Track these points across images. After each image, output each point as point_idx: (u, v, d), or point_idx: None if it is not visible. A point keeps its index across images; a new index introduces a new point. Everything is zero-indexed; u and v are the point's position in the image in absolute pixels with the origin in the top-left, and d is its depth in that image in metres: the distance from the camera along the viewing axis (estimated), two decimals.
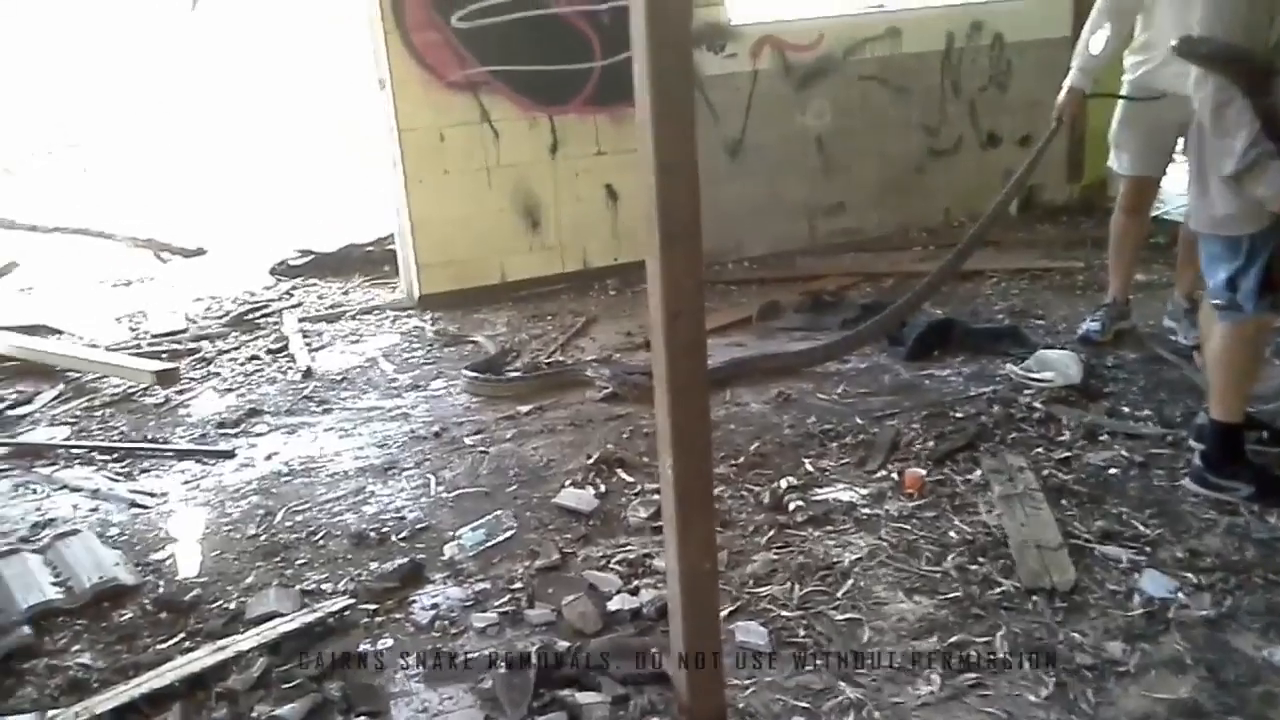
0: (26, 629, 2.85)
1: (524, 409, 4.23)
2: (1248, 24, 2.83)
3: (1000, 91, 6.47)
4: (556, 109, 5.60)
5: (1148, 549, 2.98)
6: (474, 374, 4.54)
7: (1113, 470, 3.43)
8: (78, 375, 4.88)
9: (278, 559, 3.23)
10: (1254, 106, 2.82)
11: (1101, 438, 3.64)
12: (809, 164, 6.16)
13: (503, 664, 2.60)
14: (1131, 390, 4.04)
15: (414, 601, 2.95)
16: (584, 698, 2.46)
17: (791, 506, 3.29)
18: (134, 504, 3.65)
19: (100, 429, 4.33)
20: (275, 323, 5.58)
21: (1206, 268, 3.17)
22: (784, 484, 3.42)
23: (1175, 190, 5.23)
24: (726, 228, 5.81)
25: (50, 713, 2.52)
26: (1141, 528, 3.09)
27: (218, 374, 4.89)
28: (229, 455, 4.00)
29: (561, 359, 4.82)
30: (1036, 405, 3.90)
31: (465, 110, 5.42)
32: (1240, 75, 2.83)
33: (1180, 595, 2.76)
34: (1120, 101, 4.31)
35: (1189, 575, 2.84)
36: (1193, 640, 2.59)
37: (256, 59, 11.72)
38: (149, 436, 4.22)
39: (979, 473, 3.45)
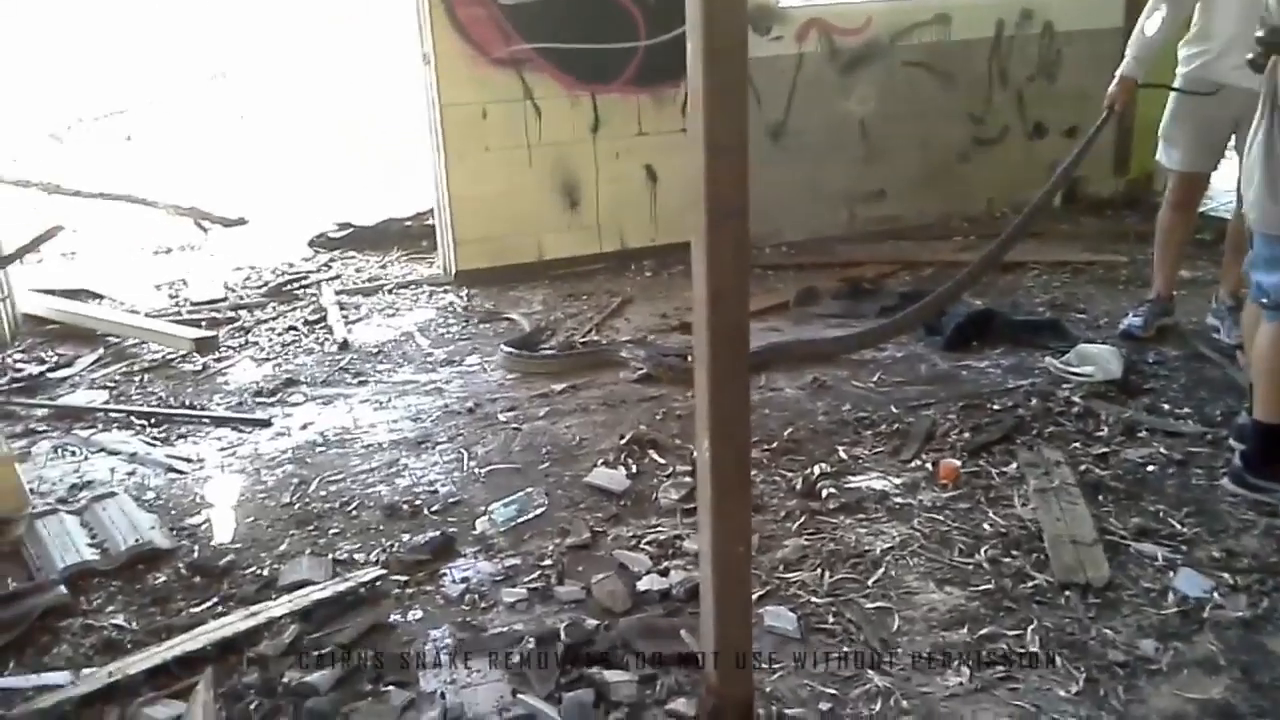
0: (63, 588, 2.90)
1: (558, 387, 4.24)
2: None
3: (1049, 81, 6.37)
4: (599, 88, 5.58)
5: (1183, 548, 2.95)
6: (511, 349, 4.56)
7: (1151, 467, 3.39)
8: (118, 340, 4.93)
9: (311, 528, 3.26)
10: None
11: (1140, 434, 3.60)
12: (851, 150, 6.11)
13: (531, 640, 2.61)
14: (1172, 387, 3.99)
15: (445, 575, 2.97)
16: (611, 676, 2.47)
17: (824, 493, 3.28)
18: (171, 469, 3.69)
19: (139, 394, 4.38)
20: (313, 294, 5.61)
21: (1262, 267, 3.09)
22: (817, 470, 3.41)
23: (1223, 187, 5.15)
24: (766, 212, 5.75)
25: (84, 671, 2.57)
26: (1178, 526, 3.05)
27: (255, 343, 4.93)
28: (265, 424, 4.03)
29: (597, 338, 4.82)
30: (1075, 400, 3.86)
31: (508, 87, 5.42)
32: None
33: (1215, 595, 2.73)
34: (1172, 94, 4.23)
35: (1225, 575, 2.81)
36: (1226, 641, 2.56)
37: (301, 29, 11.78)
38: (187, 403, 4.26)
39: (1015, 465, 3.42)
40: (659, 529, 3.16)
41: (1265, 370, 3.14)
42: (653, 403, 4.07)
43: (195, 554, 3.12)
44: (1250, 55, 3.04)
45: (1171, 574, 2.83)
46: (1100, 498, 3.22)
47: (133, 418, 4.10)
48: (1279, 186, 2.96)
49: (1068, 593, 2.76)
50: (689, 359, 4.03)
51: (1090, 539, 2.97)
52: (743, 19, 1.81)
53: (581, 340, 4.79)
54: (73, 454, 3.83)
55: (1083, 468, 3.39)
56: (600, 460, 3.60)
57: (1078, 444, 3.56)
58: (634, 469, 3.52)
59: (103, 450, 3.85)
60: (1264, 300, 3.08)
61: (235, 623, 2.71)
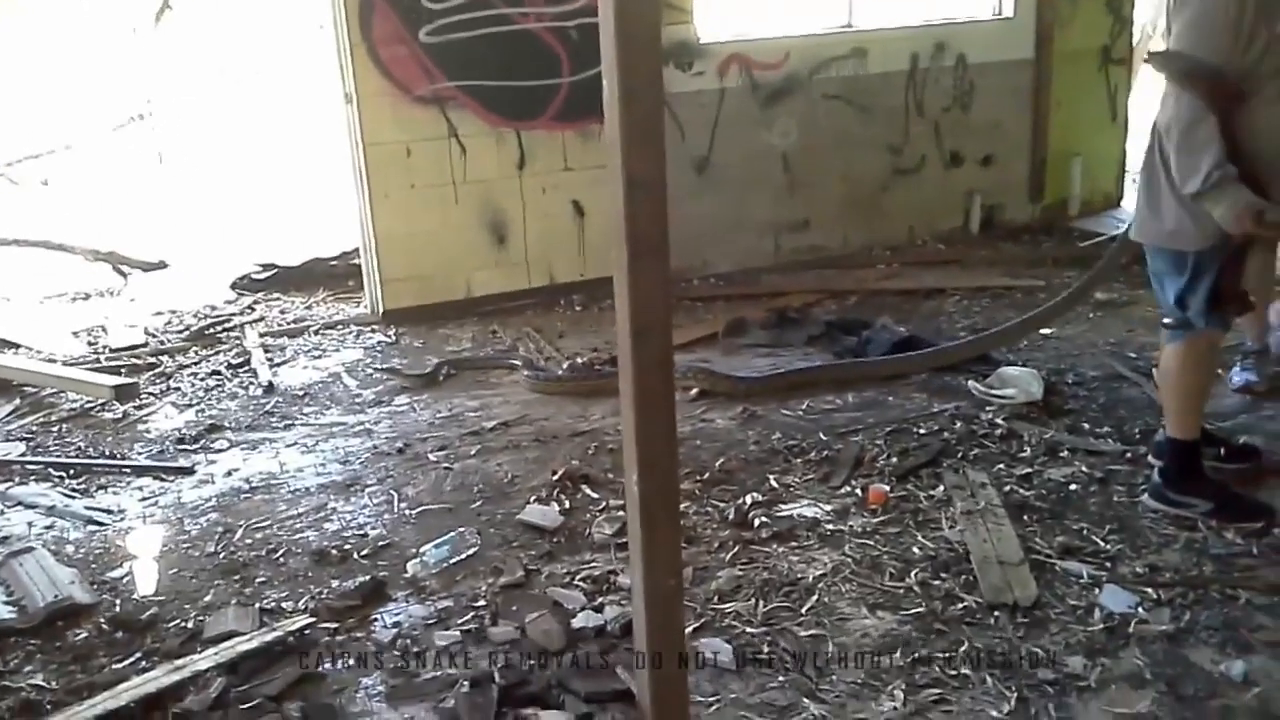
0: None
1: (489, 425, 4.22)
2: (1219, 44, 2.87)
3: (963, 112, 6.52)
4: (524, 124, 5.60)
5: (1108, 564, 3.01)
6: (533, 372, 4.66)
7: (1073, 486, 3.46)
8: (34, 390, 4.81)
9: (237, 577, 3.19)
10: (1221, 127, 2.86)
11: (1062, 454, 3.67)
12: (775, 181, 6.19)
13: (465, 683, 2.58)
14: (1091, 407, 4.08)
15: (375, 620, 2.93)
16: (547, 716, 2.45)
17: (756, 522, 3.30)
18: (90, 521, 3.59)
19: (57, 444, 4.27)
20: (237, 337, 5.53)
21: (1156, 286, 3.22)
22: (749, 500, 3.43)
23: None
24: (692, 244, 5.82)
25: None
26: (1101, 543, 3.11)
27: (177, 389, 4.84)
28: (188, 471, 3.95)
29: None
30: (998, 422, 3.93)
31: (432, 125, 5.41)
32: (1210, 94, 2.87)
33: (1140, 610, 2.79)
34: None
35: (1148, 590, 2.87)
36: (1152, 655, 2.62)
37: (221, 71, 11.66)
38: (107, 452, 4.16)
39: (942, 489, 3.47)
40: (593, 564, 3.15)
41: (1172, 389, 3.23)
42: (584, 437, 4.06)
43: (117, 608, 3.03)
44: None
45: (1097, 591, 2.88)
46: (1025, 517, 3.27)
47: (51, 469, 3.99)
48: (1158, 200, 3.07)
49: (997, 613, 2.81)
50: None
51: (1017, 559, 3.02)
52: (657, 59, 1.84)
53: (601, 364, 4.79)
54: None
55: (1007, 488, 3.45)
56: (533, 497, 3.58)
57: (1002, 465, 3.62)
58: (567, 505, 3.51)
59: (19, 504, 3.74)
60: (1167, 320, 3.18)
61: (160, 678, 2.64)
